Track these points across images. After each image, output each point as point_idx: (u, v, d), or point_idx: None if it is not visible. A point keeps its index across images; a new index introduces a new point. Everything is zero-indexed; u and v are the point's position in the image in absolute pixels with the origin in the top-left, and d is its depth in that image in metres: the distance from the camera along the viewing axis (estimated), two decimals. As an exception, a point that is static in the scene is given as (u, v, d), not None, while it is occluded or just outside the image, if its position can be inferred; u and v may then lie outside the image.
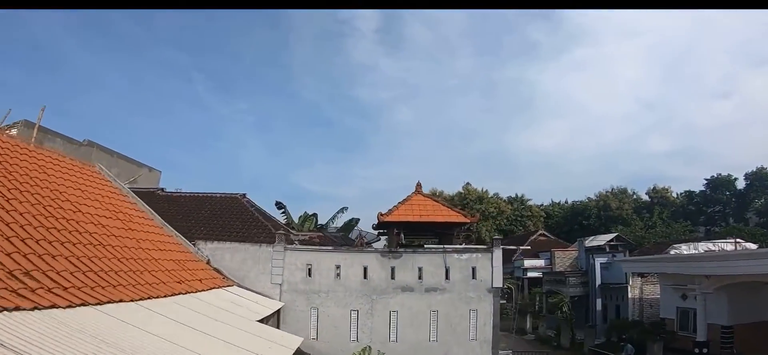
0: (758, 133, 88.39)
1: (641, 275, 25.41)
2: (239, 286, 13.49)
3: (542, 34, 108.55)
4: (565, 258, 38.41)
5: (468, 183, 60.43)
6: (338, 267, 13.62)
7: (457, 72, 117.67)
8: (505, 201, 61.16)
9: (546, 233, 47.67)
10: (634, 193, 61.23)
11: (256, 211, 18.23)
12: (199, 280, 12.40)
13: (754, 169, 49.48)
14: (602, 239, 38.56)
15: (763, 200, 46.49)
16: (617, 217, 57.97)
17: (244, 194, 19.97)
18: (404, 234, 16.90)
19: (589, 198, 63.70)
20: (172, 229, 13.99)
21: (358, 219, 27.56)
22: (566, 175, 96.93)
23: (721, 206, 52.58)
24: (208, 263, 13.86)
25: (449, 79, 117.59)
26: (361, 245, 17.36)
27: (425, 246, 14.04)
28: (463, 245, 14.78)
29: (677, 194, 59.51)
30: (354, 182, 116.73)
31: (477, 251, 14.30)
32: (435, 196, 65.13)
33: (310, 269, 13.64)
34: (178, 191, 22.23)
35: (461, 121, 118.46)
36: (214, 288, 12.66)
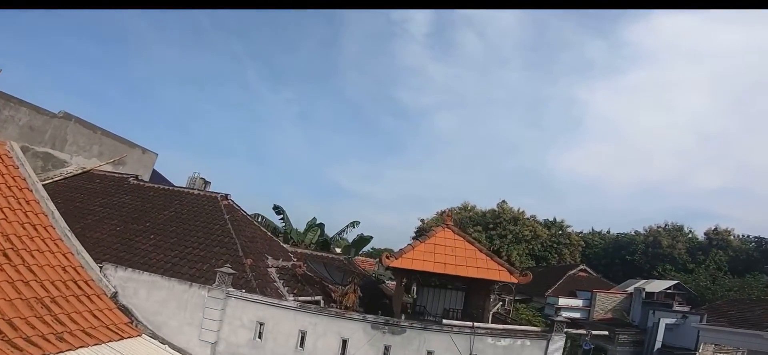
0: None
1: (713, 342, 19.35)
2: (153, 336, 8.75)
3: (599, 52, 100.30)
4: (607, 301, 32.09)
5: (504, 201, 54.19)
6: (303, 334, 8.49)
7: (505, 84, 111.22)
8: (541, 224, 54.49)
9: (588, 270, 40.98)
10: (690, 231, 53.21)
11: (231, 220, 13.48)
12: (88, 332, 7.72)
13: None
14: (658, 286, 31.85)
15: None
16: (667, 255, 50.33)
17: (227, 196, 15.33)
18: (418, 282, 11.78)
19: (636, 231, 56.15)
20: (74, 241, 9.41)
21: (371, 237, 22.62)
22: (605, 203, 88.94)
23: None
24: (114, 297, 9.19)
25: (496, 90, 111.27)
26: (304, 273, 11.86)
27: (443, 322, 8.75)
28: (504, 327, 9.38)
29: (740, 237, 51.15)
30: (386, 184, 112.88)
31: (525, 335, 8.89)
32: (467, 210, 59.56)
33: (261, 330, 8.63)
34: (152, 183, 17.92)
35: (503, 135, 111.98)
36: (112, 340, 7.99)
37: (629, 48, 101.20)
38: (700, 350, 19.28)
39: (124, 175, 17.63)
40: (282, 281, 11.72)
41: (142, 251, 11.82)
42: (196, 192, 16.07)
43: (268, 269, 12.06)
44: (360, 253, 22.89)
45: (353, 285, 10.69)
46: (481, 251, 11.49)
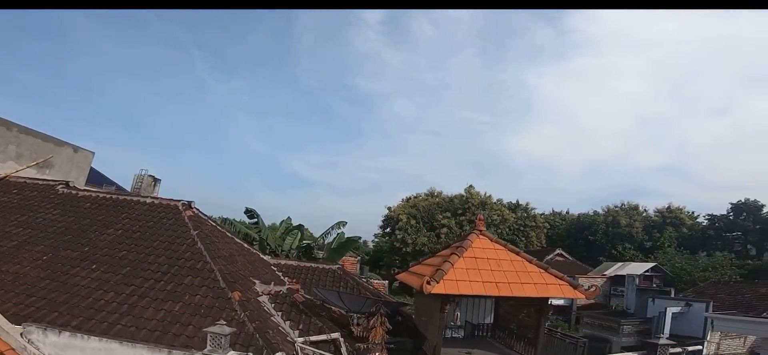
0: (749, 152, 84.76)
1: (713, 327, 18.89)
2: None
3: (547, 39, 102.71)
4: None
5: (471, 186, 53.22)
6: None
7: (459, 70, 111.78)
8: (507, 208, 54.21)
9: (564, 254, 40.78)
10: (644, 210, 55.12)
11: (200, 236, 10.35)
12: None
13: (788, 198, 43.49)
14: (637, 269, 31.85)
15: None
16: (626, 234, 51.90)
17: (190, 203, 12.12)
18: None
19: (595, 212, 57.48)
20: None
21: (360, 238, 19.96)
22: (558, 183, 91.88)
23: (743, 233, 46.68)
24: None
25: (451, 76, 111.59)
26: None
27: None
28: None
29: (689, 214, 53.68)
30: (346, 171, 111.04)
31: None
32: (434, 196, 58.11)
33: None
34: (90, 189, 14.25)
35: (459, 120, 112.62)
36: None
37: (575, 35, 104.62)
38: (708, 337, 18.65)
39: (52, 182, 13.76)
40: (280, 313, 8.91)
41: (82, 289, 8.52)
42: (149, 200, 12.66)
43: (259, 299, 9.18)
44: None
45: (380, 316, 8.19)
46: (530, 262, 9.35)
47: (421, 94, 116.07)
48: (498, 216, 51.36)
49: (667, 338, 18.34)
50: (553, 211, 64.06)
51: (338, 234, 20.24)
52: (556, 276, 9.03)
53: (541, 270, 9.12)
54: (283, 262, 14.08)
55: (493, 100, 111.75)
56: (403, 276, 10.44)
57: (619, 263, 34.28)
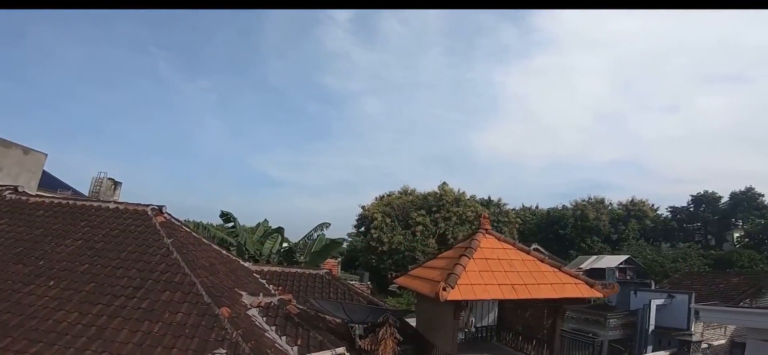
0: (700, 147, 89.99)
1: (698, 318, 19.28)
2: None
3: (512, 38, 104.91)
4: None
5: (445, 183, 53.16)
6: None
7: (427, 68, 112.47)
8: (481, 204, 54.57)
9: (540, 249, 41.19)
10: (610, 203, 56.85)
11: (175, 245, 9.18)
12: None
13: (742, 189, 45.93)
14: (612, 261, 32.50)
15: (750, 223, 42.84)
16: (594, 227, 53.34)
17: (161, 208, 10.87)
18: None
19: (564, 206, 58.85)
20: None
21: (344, 240, 18.99)
22: (524, 178, 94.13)
23: (702, 224, 48.95)
24: None
25: (419, 74, 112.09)
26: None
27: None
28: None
29: (651, 206, 55.82)
30: (318, 170, 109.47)
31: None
32: (407, 194, 57.71)
33: None
34: (43, 194, 12.68)
35: (428, 118, 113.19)
36: None
37: (538, 34, 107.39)
38: (693, 328, 18.95)
39: (-4, 186, 12.10)
40: (274, 328, 7.94)
41: (39, 310, 7.24)
42: (112, 206, 11.28)
43: (249, 313, 8.16)
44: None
45: (389, 327, 7.39)
46: (542, 261, 8.81)
47: (391, 92, 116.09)
48: (472, 212, 51.55)
49: (653, 331, 18.50)
50: (523, 206, 65.11)
51: (319, 236, 19.24)
52: (570, 275, 8.54)
53: (555, 269, 8.61)
54: (265, 268, 13.00)
55: (461, 98, 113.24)
56: (404, 281, 9.68)
57: (594, 256, 34.97)
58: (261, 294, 9.01)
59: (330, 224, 18.49)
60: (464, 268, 7.65)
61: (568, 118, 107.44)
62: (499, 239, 9.20)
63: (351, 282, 16.52)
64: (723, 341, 19.77)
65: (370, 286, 22.69)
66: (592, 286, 8.32)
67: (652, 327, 18.44)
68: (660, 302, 19.08)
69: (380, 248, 45.77)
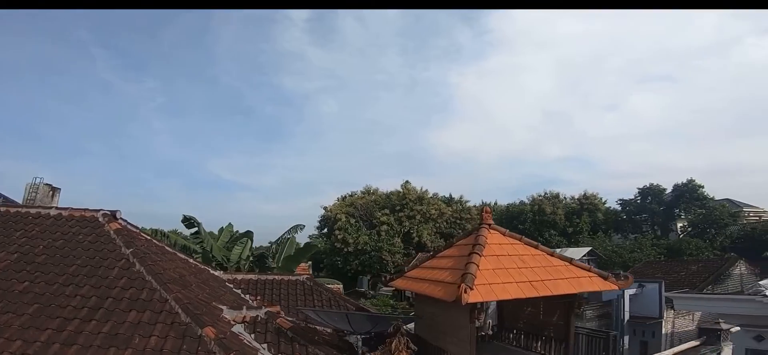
0: (636, 143, 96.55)
1: (673, 307, 19.86)
2: None
3: (466, 38, 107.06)
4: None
5: (407, 181, 52.92)
6: None
7: (384, 69, 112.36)
8: (444, 202, 54.87)
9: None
10: (564, 198, 59.01)
11: (135, 255, 7.78)
12: None
13: (684, 181, 49.06)
14: (575, 253, 33.38)
15: (693, 214, 45.86)
16: (551, 221, 55.09)
17: (114, 213, 9.34)
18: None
19: (522, 201, 60.45)
20: None
21: (319, 243, 17.70)
22: (478, 175, 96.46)
23: (649, 215, 51.86)
24: None
25: (376, 74, 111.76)
26: None
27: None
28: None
29: (602, 200, 58.53)
30: (274, 172, 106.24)
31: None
32: (370, 193, 56.89)
33: None
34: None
35: (385, 117, 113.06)
36: None
37: (491, 35, 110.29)
38: (665, 316, 19.46)
39: None
40: (266, 345, 6.82)
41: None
42: (54, 212, 9.59)
43: (234, 330, 6.97)
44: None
45: (400, 337, 6.49)
46: (552, 255, 8.29)
47: (349, 92, 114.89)
48: (435, 210, 51.69)
49: (628, 320, 18.78)
50: (482, 202, 66.21)
51: (289, 239, 17.94)
52: (582, 268, 8.10)
53: (566, 263, 8.13)
54: (238, 277, 11.69)
55: (418, 98, 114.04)
56: (402, 283, 8.83)
57: (558, 250, 35.87)
58: (244, 308, 7.82)
59: (303, 226, 17.29)
60: (477, 267, 6.95)
61: (519, 117, 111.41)
62: (504, 234, 8.59)
63: (331, 286, 15.48)
64: (692, 328, 20.56)
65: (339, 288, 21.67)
66: (606, 278, 7.92)
67: (627, 317, 18.74)
68: (632, 291, 19.45)
69: (345, 249, 44.68)
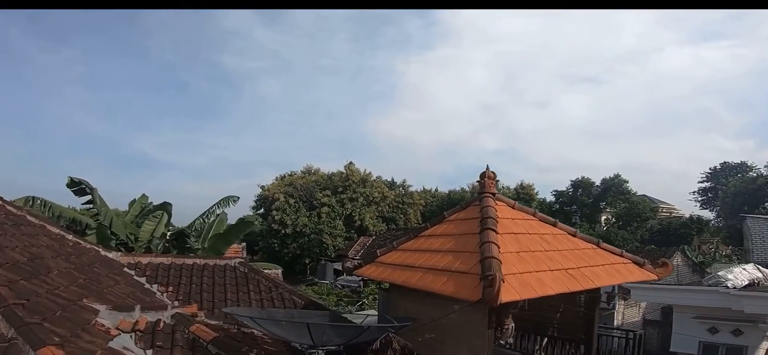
0: (560, 138, 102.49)
1: (624, 297, 19.46)
2: None
3: (415, 28, 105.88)
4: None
5: (351, 162, 50.25)
6: None
7: (331, 53, 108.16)
8: (386, 186, 53.07)
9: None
10: (504, 187, 59.87)
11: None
12: None
13: (611, 176, 51.45)
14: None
15: (617, 207, 48.24)
16: (489, 209, 55.62)
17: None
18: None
19: (463, 189, 60.44)
20: None
21: (256, 219, 14.59)
22: (416, 163, 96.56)
23: (579, 207, 53.96)
24: None
25: (323, 58, 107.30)
26: None
27: None
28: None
29: (535, 191, 60.23)
30: (206, 151, 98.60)
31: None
32: (311, 174, 53.47)
33: None
34: None
35: (327, 101, 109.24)
36: None
37: (439, 26, 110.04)
38: (616, 307, 18.95)
39: None
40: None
41: None
42: None
43: (113, 345, 4.11)
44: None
45: (395, 352, 4.13)
46: (574, 235, 6.30)
47: (291, 74, 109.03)
48: (378, 193, 49.72)
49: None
50: (424, 188, 65.49)
51: (221, 215, 14.69)
52: (613, 253, 6.23)
53: (593, 246, 6.21)
54: (145, 260, 8.54)
55: (362, 85, 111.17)
56: (375, 272, 6.37)
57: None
58: (137, 308, 4.91)
59: (238, 198, 14.05)
60: (499, 249, 4.75)
61: (459, 108, 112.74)
62: (513, 207, 6.46)
63: (269, 271, 12.62)
64: (637, 319, 20.37)
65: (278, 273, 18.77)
66: (642, 266, 6.13)
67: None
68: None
69: (283, 231, 41.23)
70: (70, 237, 7.89)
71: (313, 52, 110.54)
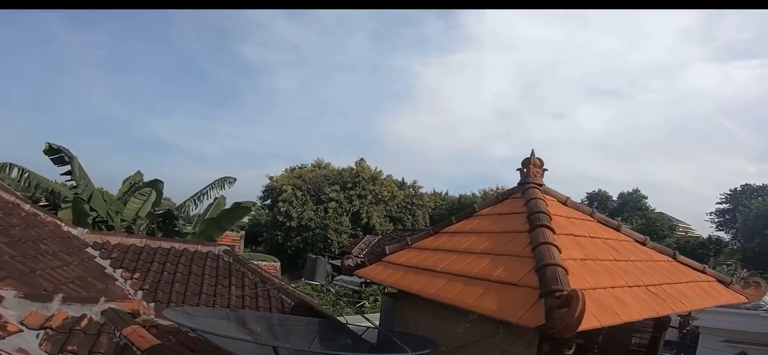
0: (575, 151, 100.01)
1: None
2: None
3: (436, 31, 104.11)
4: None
5: (362, 159, 48.89)
6: None
7: (349, 50, 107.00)
8: (396, 185, 51.62)
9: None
10: (515, 194, 58.16)
11: None
12: None
13: (630, 191, 49.39)
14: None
15: (634, 223, 46.22)
16: (500, 216, 53.93)
17: None
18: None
19: (473, 194, 58.85)
20: None
21: (254, 204, 13.34)
22: (429, 166, 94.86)
23: (593, 219, 51.95)
24: None
25: (341, 55, 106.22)
26: None
27: None
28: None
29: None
30: (220, 140, 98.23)
31: None
32: (321, 167, 52.29)
33: None
34: None
35: (342, 98, 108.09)
36: None
37: (461, 30, 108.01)
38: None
39: None
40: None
41: None
42: None
43: (5, 346, 2.82)
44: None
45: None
46: (644, 243, 4.86)
47: (309, 69, 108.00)
48: (388, 192, 48.31)
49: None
50: (434, 191, 63.95)
51: (218, 199, 13.42)
52: (693, 267, 4.78)
53: (669, 258, 4.78)
54: (115, 240, 7.26)
55: (378, 84, 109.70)
56: (381, 275, 4.93)
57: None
58: (57, 298, 3.57)
59: (235, 179, 12.71)
60: (560, 253, 3.36)
61: (473, 114, 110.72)
62: (565, 203, 5.02)
63: (260, 263, 11.30)
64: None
65: (276, 266, 17.46)
66: (728, 285, 4.67)
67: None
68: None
69: (288, 223, 40.04)
70: (27, 207, 6.65)
71: (331, 48, 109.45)
